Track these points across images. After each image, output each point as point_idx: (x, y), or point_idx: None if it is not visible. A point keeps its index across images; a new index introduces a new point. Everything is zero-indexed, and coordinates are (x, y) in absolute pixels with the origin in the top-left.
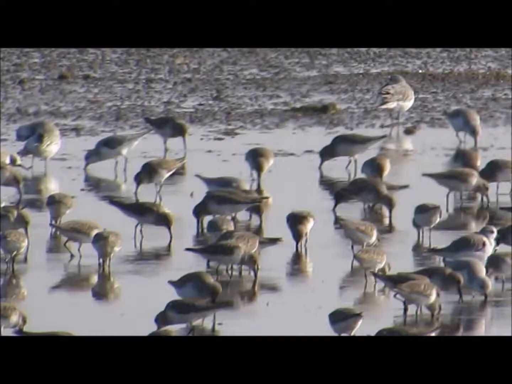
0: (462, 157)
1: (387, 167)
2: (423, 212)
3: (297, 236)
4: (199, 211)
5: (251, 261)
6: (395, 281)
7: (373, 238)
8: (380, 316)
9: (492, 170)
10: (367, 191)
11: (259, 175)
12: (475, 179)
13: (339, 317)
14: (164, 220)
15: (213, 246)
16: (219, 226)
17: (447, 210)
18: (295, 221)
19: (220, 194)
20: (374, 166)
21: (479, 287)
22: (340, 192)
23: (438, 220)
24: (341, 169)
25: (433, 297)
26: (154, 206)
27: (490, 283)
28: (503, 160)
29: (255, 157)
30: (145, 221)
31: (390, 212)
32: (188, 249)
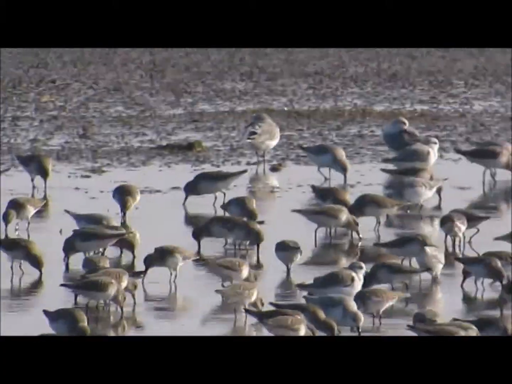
0: (333, 194)
1: (253, 205)
2: (283, 250)
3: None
4: (67, 248)
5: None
6: (263, 316)
7: (244, 273)
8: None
9: (361, 205)
10: (238, 227)
11: (124, 213)
12: (344, 215)
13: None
14: (34, 259)
15: (87, 282)
16: (95, 263)
17: (315, 246)
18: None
19: (85, 231)
20: (241, 205)
21: (352, 320)
22: (203, 228)
23: (298, 258)
24: (209, 206)
25: (301, 332)
26: (23, 241)
27: (362, 317)
28: (372, 195)
29: (121, 194)
30: (15, 256)
31: (258, 247)
32: (62, 285)
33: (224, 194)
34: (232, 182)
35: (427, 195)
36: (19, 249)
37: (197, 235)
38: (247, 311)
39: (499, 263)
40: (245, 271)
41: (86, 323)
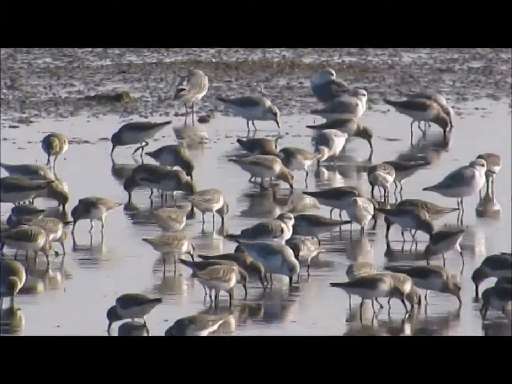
0: (261, 145)
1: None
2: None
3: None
4: None
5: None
6: (197, 267)
7: (182, 225)
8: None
9: (287, 158)
10: (168, 178)
11: (49, 154)
12: (279, 166)
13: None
14: None
15: (18, 232)
16: (25, 211)
17: (250, 196)
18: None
19: (8, 181)
20: (174, 154)
21: (289, 270)
22: (132, 180)
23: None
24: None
25: (232, 282)
26: None
27: (298, 268)
28: (296, 148)
29: (47, 141)
30: None
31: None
32: None
33: (147, 143)
34: (156, 132)
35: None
36: None
37: (127, 187)
38: (182, 261)
39: (426, 215)
40: (183, 223)
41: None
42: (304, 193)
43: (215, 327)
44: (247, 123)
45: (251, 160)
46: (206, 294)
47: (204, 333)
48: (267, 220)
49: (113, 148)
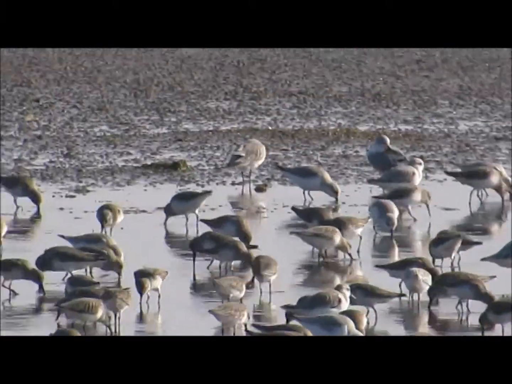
0: (319, 215)
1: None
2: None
3: (140, 288)
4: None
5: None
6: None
7: (242, 293)
8: None
9: (339, 228)
10: (228, 248)
11: (103, 226)
12: (339, 237)
13: None
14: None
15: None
16: (81, 282)
17: (308, 268)
18: (141, 275)
19: (63, 251)
20: (236, 225)
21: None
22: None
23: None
24: (191, 225)
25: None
26: (19, 261)
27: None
28: (348, 217)
29: (101, 211)
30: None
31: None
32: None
33: (197, 216)
34: (202, 201)
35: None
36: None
37: (192, 248)
38: (248, 331)
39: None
40: (243, 291)
41: None
42: (377, 266)
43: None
44: (303, 192)
45: (312, 232)
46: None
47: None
48: (325, 290)
49: (166, 218)
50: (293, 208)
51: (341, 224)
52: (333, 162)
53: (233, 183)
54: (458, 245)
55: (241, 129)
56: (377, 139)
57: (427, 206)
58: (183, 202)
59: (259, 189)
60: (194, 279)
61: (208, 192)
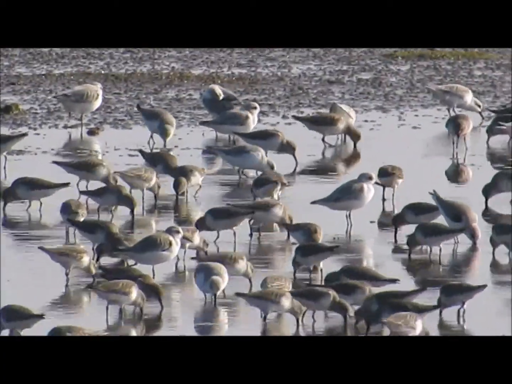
0: (162, 159)
1: None
2: None
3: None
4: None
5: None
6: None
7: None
8: None
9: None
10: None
11: None
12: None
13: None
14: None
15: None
16: None
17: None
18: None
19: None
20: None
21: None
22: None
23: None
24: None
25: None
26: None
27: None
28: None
29: None
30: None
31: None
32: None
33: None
34: (12, 145)
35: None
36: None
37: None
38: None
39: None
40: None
41: None
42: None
43: None
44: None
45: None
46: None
47: None
48: (156, 233)
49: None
50: (140, 151)
51: (186, 172)
52: (166, 106)
53: (65, 127)
54: (278, 188)
55: (74, 73)
56: (209, 90)
57: (293, 154)
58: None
59: (91, 132)
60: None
61: (23, 135)
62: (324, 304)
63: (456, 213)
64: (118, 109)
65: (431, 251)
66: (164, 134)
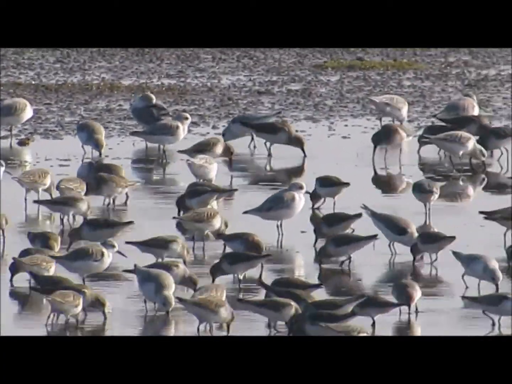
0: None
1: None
2: None
3: None
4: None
5: None
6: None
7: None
8: None
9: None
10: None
11: None
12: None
13: None
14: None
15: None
16: None
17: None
18: None
19: None
20: None
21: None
22: None
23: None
24: None
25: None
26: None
27: None
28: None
29: None
30: None
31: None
32: None
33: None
34: None
35: None
36: None
37: None
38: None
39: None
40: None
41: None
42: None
43: None
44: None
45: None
46: None
47: None
48: (88, 244)
49: None
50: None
51: (103, 180)
52: (97, 116)
53: (2, 137)
54: (213, 198)
55: (4, 83)
56: (142, 95)
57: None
58: None
59: (22, 143)
60: None
61: None
62: (286, 315)
63: (400, 227)
64: (49, 120)
65: (350, 262)
66: (97, 145)
